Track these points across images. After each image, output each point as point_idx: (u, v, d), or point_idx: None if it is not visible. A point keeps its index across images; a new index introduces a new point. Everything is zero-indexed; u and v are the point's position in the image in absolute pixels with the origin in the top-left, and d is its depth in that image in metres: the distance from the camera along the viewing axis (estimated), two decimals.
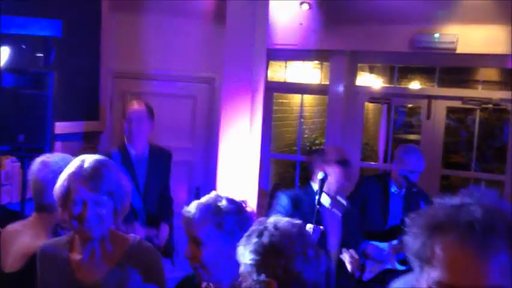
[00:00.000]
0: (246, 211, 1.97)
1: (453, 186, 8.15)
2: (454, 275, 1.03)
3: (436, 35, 5.08)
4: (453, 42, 5.05)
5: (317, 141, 6.95)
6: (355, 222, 3.49)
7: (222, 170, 4.10)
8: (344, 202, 3.45)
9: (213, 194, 2.01)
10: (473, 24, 5.07)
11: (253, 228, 1.64)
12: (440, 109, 5.58)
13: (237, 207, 1.95)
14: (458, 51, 5.09)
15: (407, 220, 1.15)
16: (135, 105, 3.84)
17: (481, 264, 1.02)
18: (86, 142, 4.54)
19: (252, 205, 4.06)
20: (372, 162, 7.30)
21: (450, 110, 7.64)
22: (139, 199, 3.75)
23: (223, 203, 1.93)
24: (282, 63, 6.22)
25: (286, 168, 6.75)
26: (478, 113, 5.64)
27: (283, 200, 3.33)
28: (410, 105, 7.43)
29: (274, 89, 6.01)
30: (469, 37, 5.08)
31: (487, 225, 1.02)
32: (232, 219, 1.91)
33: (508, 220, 1.05)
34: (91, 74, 4.55)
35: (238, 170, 4.06)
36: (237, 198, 2.01)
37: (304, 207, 3.26)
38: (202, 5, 5.00)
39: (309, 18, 5.23)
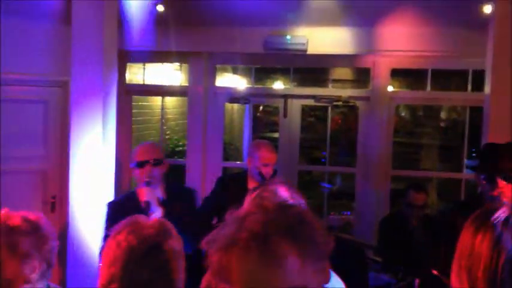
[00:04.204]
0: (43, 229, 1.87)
1: (314, 181, 8.57)
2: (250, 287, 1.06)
3: (288, 37, 5.29)
4: (304, 44, 5.29)
5: (180, 143, 6.93)
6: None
7: (75, 178, 3.94)
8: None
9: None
10: (322, 27, 5.35)
11: None
12: (296, 107, 5.83)
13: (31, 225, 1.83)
14: (309, 52, 5.34)
15: (204, 242, 1.16)
16: None
17: (268, 274, 1.05)
18: None
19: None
20: (237, 162, 7.45)
21: (311, 108, 8.03)
22: None
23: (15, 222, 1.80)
24: (140, 65, 6.12)
25: None
26: (330, 110, 5.98)
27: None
28: (274, 105, 7.67)
29: (133, 91, 5.90)
30: (319, 39, 5.35)
31: (263, 237, 1.06)
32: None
33: (287, 222, 1.09)
34: None
35: (92, 177, 3.93)
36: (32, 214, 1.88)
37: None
38: (50, 6, 4.76)
39: (165, 19, 5.20)
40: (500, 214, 1.49)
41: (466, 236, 1.53)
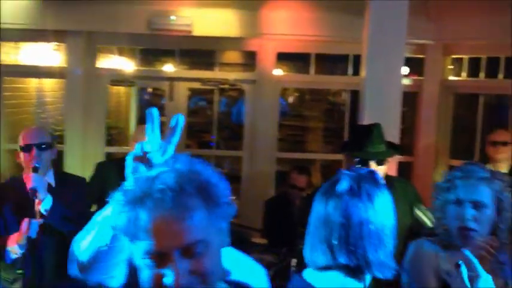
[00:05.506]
0: None
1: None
2: (158, 240, 1.11)
3: (172, 17, 5.15)
4: (189, 25, 5.18)
5: (60, 128, 6.57)
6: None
7: None
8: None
9: None
10: (208, 8, 5.27)
11: None
12: (182, 91, 5.72)
13: None
14: (195, 33, 5.24)
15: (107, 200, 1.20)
16: None
17: (178, 225, 1.11)
18: None
19: None
20: (124, 147, 7.18)
21: (200, 91, 7.94)
22: None
23: None
24: (14, 45, 5.68)
25: None
26: (217, 93, 5.94)
27: None
28: (161, 87, 7.50)
29: (6, 72, 5.46)
30: (204, 20, 5.26)
31: (177, 189, 1.11)
32: None
33: (198, 179, 1.15)
34: None
35: None
36: None
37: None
38: None
39: None
40: (343, 185, 1.63)
41: (318, 207, 1.65)
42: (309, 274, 1.69)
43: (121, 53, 6.85)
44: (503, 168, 4.21)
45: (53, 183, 3.18)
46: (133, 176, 1.22)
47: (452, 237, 2.09)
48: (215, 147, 6.07)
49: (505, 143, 4.24)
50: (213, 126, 6.06)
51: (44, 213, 2.90)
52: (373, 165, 2.95)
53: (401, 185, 3.19)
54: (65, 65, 5.54)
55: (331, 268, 1.61)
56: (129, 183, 1.17)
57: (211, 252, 1.16)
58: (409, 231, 3.02)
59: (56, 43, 5.93)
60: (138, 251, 1.15)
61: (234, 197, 4.67)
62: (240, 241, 3.98)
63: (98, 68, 5.62)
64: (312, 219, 1.67)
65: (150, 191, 1.12)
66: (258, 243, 4.27)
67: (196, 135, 8.23)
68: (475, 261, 1.71)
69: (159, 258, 1.12)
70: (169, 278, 1.11)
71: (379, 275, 1.61)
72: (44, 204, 2.92)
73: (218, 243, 1.20)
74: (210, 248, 1.15)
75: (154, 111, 1.35)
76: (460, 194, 2.05)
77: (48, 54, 6.15)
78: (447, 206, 2.09)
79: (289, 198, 4.69)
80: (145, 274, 1.15)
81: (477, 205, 2.04)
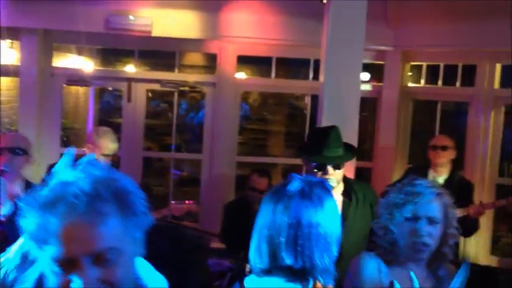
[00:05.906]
0: None
1: (166, 167, 8.42)
2: (67, 246, 1.08)
3: (131, 17, 5.05)
4: (148, 25, 5.09)
5: (14, 128, 6.38)
6: None
7: None
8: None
9: None
10: (168, 8, 5.19)
11: None
12: (140, 92, 5.61)
13: None
14: (154, 34, 5.15)
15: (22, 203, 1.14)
16: None
17: (89, 230, 1.08)
18: None
19: None
20: (81, 148, 7.02)
21: (162, 94, 7.83)
22: None
23: None
24: None
25: None
26: (176, 95, 5.85)
27: None
28: (119, 88, 7.36)
29: None
30: (164, 21, 5.18)
31: (92, 194, 1.09)
32: None
33: (115, 186, 1.14)
34: None
35: None
36: None
37: None
38: None
39: None
40: (295, 185, 1.63)
41: (267, 208, 1.65)
42: (249, 281, 1.66)
43: (79, 52, 6.70)
44: (444, 173, 4.30)
45: (19, 192, 3.06)
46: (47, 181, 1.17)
47: (399, 252, 2.06)
48: (174, 150, 5.97)
49: (444, 148, 4.33)
50: (173, 128, 5.97)
51: (2, 218, 2.78)
52: (330, 169, 2.93)
53: (361, 187, 3.19)
54: (19, 64, 5.37)
55: (273, 272, 1.58)
56: (42, 189, 1.13)
57: (123, 261, 1.13)
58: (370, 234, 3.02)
59: (9, 41, 5.76)
60: (46, 257, 1.11)
61: (190, 202, 4.59)
62: (197, 246, 3.92)
63: (53, 67, 5.46)
64: (259, 220, 1.66)
65: (64, 195, 1.08)
66: (217, 248, 4.21)
67: (157, 138, 8.13)
68: (416, 283, 1.75)
69: (67, 264, 1.08)
70: (76, 284, 1.08)
71: (321, 281, 1.58)
72: (3, 209, 2.80)
73: (131, 253, 1.17)
74: (122, 256, 1.12)
75: (71, 152, 1.31)
76: (418, 210, 2.01)
77: (2, 52, 5.96)
78: (400, 221, 2.03)
79: (249, 201, 4.64)
80: (53, 282, 1.11)
81: (432, 221, 2.03)
